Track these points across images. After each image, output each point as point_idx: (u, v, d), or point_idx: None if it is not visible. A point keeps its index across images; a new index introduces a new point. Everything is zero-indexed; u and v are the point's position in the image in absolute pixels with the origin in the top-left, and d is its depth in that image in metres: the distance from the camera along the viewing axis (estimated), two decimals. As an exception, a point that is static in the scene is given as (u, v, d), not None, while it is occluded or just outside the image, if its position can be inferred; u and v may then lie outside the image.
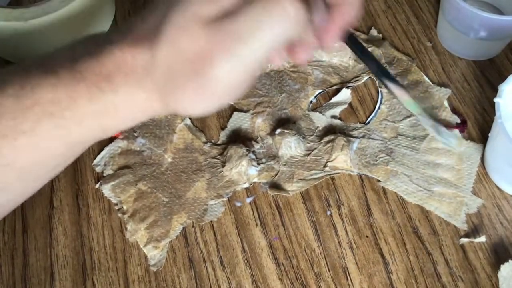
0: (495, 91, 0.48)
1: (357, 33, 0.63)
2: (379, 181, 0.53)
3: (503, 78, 0.49)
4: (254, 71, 0.30)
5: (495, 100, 0.47)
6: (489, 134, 0.51)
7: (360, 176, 0.53)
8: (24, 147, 0.31)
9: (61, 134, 0.31)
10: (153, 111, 0.33)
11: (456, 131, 0.55)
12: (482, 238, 0.49)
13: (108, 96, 0.31)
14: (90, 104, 0.31)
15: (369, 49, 0.61)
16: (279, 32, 0.29)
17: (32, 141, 0.31)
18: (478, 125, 0.55)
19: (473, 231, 0.50)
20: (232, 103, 0.58)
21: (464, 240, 0.49)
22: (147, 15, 0.31)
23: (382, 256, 0.49)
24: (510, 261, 0.46)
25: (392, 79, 0.39)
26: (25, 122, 0.30)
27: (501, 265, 0.46)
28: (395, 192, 0.52)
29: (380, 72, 0.39)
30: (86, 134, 0.33)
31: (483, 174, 0.53)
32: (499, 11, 0.61)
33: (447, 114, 0.56)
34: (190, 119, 0.58)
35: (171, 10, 0.30)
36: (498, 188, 0.52)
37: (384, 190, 0.52)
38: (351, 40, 0.38)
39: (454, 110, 0.56)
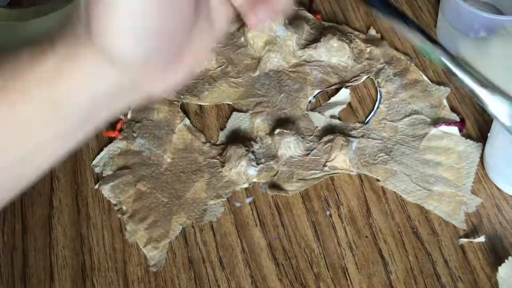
0: (494, 91, 0.48)
1: (356, 32, 0.63)
2: (378, 180, 0.53)
3: (502, 78, 0.49)
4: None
5: (495, 100, 0.47)
6: (489, 134, 0.51)
7: (359, 176, 0.53)
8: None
9: (6, 112, 0.29)
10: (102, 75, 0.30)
11: None
12: (482, 238, 0.49)
13: (49, 57, 0.29)
14: (32, 69, 0.29)
15: (368, 49, 0.61)
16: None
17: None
18: (478, 125, 0.55)
19: (473, 231, 0.50)
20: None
21: (463, 240, 0.49)
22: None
23: (382, 256, 0.49)
24: (506, 261, 0.46)
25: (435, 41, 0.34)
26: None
27: (499, 267, 0.46)
28: (394, 192, 0.52)
29: (426, 38, 0.33)
30: (36, 113, 0.30)
31: (482, 174, 0.53)
32: (499, 11, 0.61)
33: (446, 112, 0.56)
34: (189, 119, 0.58)
35: None
36: (497, 188, 0.52)
37: (383, 190, 0.52)
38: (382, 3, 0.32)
39: (453, 109, 0.56)
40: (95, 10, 0.27)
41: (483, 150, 0.53)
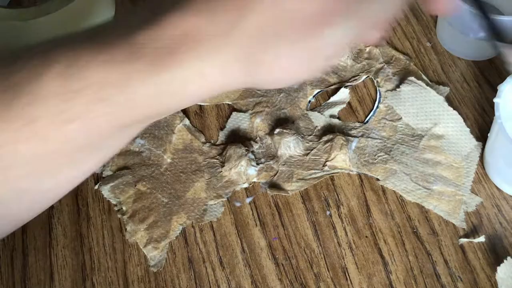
0: (494, 92, 0.48)
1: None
2: (378, 179, 0.53)
3: (502, 79, 0.49)
4: (366, 29, 0.28)
5: (495, 100, 0.47)
6: (488, 135, 0.51)
7: (359, 176, 0.53)
8: (71, 132, 0.27)
9: (111, 119, 0.27)
10: (227, 84, 0.28)
11: None
12: (482, 238, 0.49)
13: (172, 72, 0.26)
14: (149, 85, 0.26)
15: (367, 49, 0.61)
16: None
17: (79, 127, 0.27)
18: (478, 126, 0.55)
19: (473, 231, 0.50)
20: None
21: (463, 240, 0.49)
22: None
23: (382, 256, 0.49)
24: (505, 261, 0.46)
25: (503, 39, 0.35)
26: (72, 109, 0.26)
27: (498, 267, 0.46)
28: (394, 192, 0.52)
29: (492, 30, 0.34)
30: (140, 118, 0.29)
31: (482, 174, 0.53)
32: (499, 11, 0.61)
33: (445, 112, 0.56)
34: (189, 119, 0.58)
35: None
36: (497, 188, 0.52)
37: (383, 190, 0.52)
38: None
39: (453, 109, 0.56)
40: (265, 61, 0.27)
41: (483, 150, 0.53)
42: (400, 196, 0.52)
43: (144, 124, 0.30)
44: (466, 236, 0.49)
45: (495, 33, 0.34)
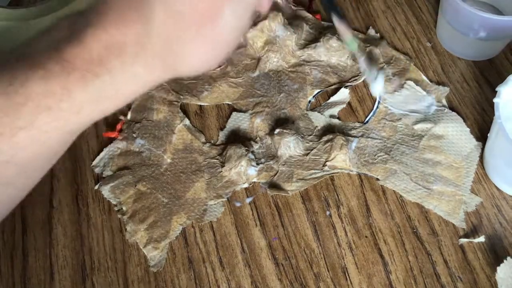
0: (494, 92, 0.48)
1: (355, 32, 0.63)
2: (378, 179, 0.53)
3: (502, 79, 0.49)
4: (253, 8, 0.31)
5: (494, 100, 0.47)
6: (488, 134, 0.51)
7: (359, 176, 0.53)
8: (23, 142, 0.31)
9: (60, 125, 0.31)
10: (155, 79, 0.32)
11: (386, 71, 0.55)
12: (481, 238, 0.49)
13: (105, 80, 0.30)
14: (86, 93, 0.30)
15: (367, 49, 0.61)
16: None
17: (30, 136, 0.30)
18: (478, 126, 0.55)
19: (472, 231, 0.50)
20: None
21: (463, 240, 0.49)
22: None
23: (381, 256, 0.49)
24: (505, 261, 0.46)
25: (339, 15, 0.39)
26: (22, 118, 0.30)
27: (498, 267, 0.46)
28: (394, 192, 0.52)
29: (328, 4, 0.39)
30: (84, 121, 0.32)
31: (482, 174, 0.53)
32: (499, 11, 0.61)
33: (445, 112, 0.56)
34: (189, 119, 0.58)
35: None
36: (497, 188, 0.52)
37: (383, 190, 0.53)
38: None
39: (453, 109, 0.56)
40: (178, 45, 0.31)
41: (482, 150, 0.54)
42: (400, 196, 0.52)
43: (87, 127, 0.34)
44: (466, 236, 0.50)
45: (332, 6, 0.39)
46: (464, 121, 0.55)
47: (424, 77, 0.59)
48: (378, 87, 0.53)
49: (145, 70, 0.31)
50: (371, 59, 0.45)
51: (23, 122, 0.30)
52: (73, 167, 0.56)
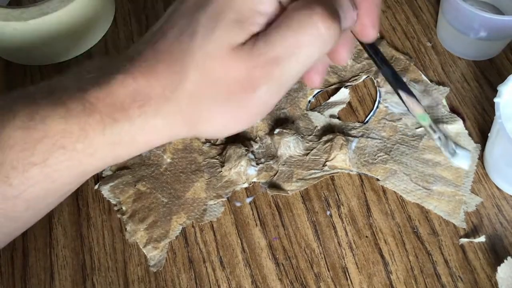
0: (495, 91, 0.48)
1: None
2: (378, 180, 0.53)
3: (503, 78, 0.49)
4: (288, 88, 0.31)
5: (495, 100, 0.47)
6: (489, 134, 0.51)
7: (359, 176, 0.53)
8: (35, 178, 0.31)
9: (73, 165, 0.31)
10: (174, 135, 0.32)
11: (468, 151, 0.52)
12: (482, 238, 0.49)
13: (124, 127, 0.30)
14: (103, 136, 0.30)
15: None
16: (313, 51, 0.29)
17: (42, 173, 0.31)
18: (478, 125, 0.55)
19: (473, 231, 0.50)
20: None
21: (463, 240, 0.49)
22: (158, 40, 0.31)
23: (382, 256, 0.49)
24: (506, 261, 0.46)
25: (406, 89, 0.38)
26: (36, 155, 0.30)
27: (498, 267, 0.46)
28: (394, 192, 0.52)
29: (395, 80, 0.38)
30: (98, 164, 0.32)
31: (482, 174, 0.53)
32: (499, 11, 0.61)
33: (445, 112, 0.56)
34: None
35: (195, 37, 0.30)
36: (497, 188, 0.52)
37: (383, 190, 0.52)
38: (371, 47, 0.37)
39: (453, 109, 0.57)
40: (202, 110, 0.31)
41: (483, 149, 0.53)
42: (401, 196, 0.52)
43: (98, 171, 0.34)
44: (466, 236, 0.49)
45: (398, 82, 0.38)
46: (464, 121, 0.55)
47: (424, 77, 0.59)
48: (463, 159, 0.49)
49: (165, 124, 0.31)
50: (445, 134, 0.43)
51: (37, 158, 0.30)
52: (73, 167, 0.55)
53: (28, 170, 0.30)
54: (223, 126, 0.32)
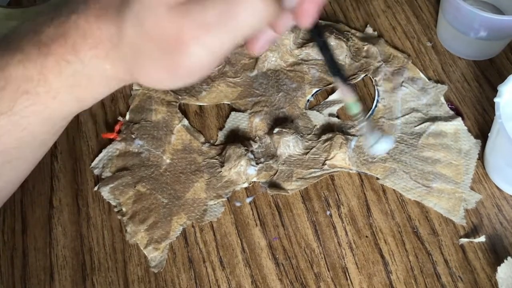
0: (495, 91, 0.48)
1: (353, 31, 0.63)
2: (378, 178, 0.53)
3: (503, 78, 0.49)
4: (221, 55, 0.31)
5: (495, 100, 0.47)
6: (489, 134, 0.51)
7: (359, 176, 0.53)
8: (4, 128, 0.31)
9: (39, 110, 0.32)
10: (120, 80, 0.33)
11: (390, 139, 0.54)
12: (482, 238, 0.49)
13: (77, 68, 0.31)
14: (61, 78, 0.31)
15: (365, 47, 0.61)
16: (247, 24, 0.29)
17: (10, 121, 0.31)
18: (478, 125, 0.55)
19: (473, 231, 0.50)
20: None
21: (463, 240, 0.49)
22: None
23: (382, 256, 0.49)
24: (506, 261, 0.46)
25: (343, 76, 0.39)
26: (1, 104, 0.31)
27: (498, 267, 0.46)
28: (394, 192, 0.52)
29: (331, 64, 0.39)
30: (64, 107, 0.33)
31: (482, 174, 0.53)
32: (499, 11, 0.61)
33: (443, 110, 0.56)
34: (189, 119, 0.58)
35: None
36: (497, 188, 0.52)
37: (383, 190, 0.52)
38: (315, 30, 0.37)
39: (451, 104, 0.56)
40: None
41: (483, 150, 0.53)
42: (401, 196, 0.52)
43: (69, 118, 0.34)
44: (466, 236, 0.49)
45: (334, 68, 0.39)
46: (465, 120, 0.55)
47: (422, 75, 0.59)
48: (381, 148, 0.51)
49: (112, 69, 0.32)
50: (371, 124, 0.45)
51: (3, 107, 0.31)
52: (73, 167, 0.55)
53: None
54: (158, 80, 0.32)
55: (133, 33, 0.30)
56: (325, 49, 0.38)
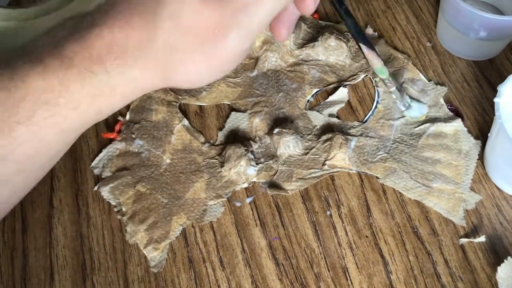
0: (495, 91, 0.48)
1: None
2: (378, 178, 0.53)
3: (503, 78, 0.49)
4: (256, 35, 0.32)
5: (495, 100, 0.47)
6: (489, 134, 0.51)
7: (359, 176, 0.53)
8: (21, 138, 0.31)
9: (58, 121, 0.31)
10: (151, 86, 0.33)
11: (424, 104, 0.56)
12: (482, 238, 0.49)
13: (102, 78, 0.31)
14: (83, 89, 0.31)
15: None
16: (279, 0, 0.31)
17: (29, 132, 0.31)
18: (478, 125, 0.55)
19: (473, 231, 0.50)
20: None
21: (463, 240, 0.49)
22: None
23: (382, 256, 0.49)
24: (506, 261, 0.46)
25: (367, 41, 0.40)
26: (20, 113, 0.30)
27: (498, 267, 0.46)
28: (394, 192, 0.52)
29: (356, 31, 0.40)
30: (83, 119, 0.33)
31: (482, 174, 0.53)
32: (499, 11, 0.61)
33: (443, 111, 0.56)
34: (189, 119, 0.58)
35: None
36: (497, 188, 0.52)
37: (383, 190, 0.52)
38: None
39: (451, 105, 0.57)
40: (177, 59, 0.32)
41: (483, 149, 0.53)
42: (401, 196, 0.52)
43: (85, 128, 0.34)
44: (466, 236, 0.49)
45: (360, 35, 0.40)
46: (463, 119, 0.55)
47: (422, 76, 0.59)
48: (415, 111, 0.55)
49: (142, 75, 0.32)
50: (400, 88, 0.47)
51: (22, 117, 0.30)
52: (73, 167, 0.55)
53: (14, 129, 0.30)
54: (197, 74, 0.32)
55: (168, 32, 0.30)
56: (348, 16, 0.39)
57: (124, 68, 0.31)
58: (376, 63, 0.44)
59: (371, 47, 0.42)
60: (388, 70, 0.47)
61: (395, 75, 0.59)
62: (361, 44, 0.41)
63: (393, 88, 0.49)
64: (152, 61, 0.31)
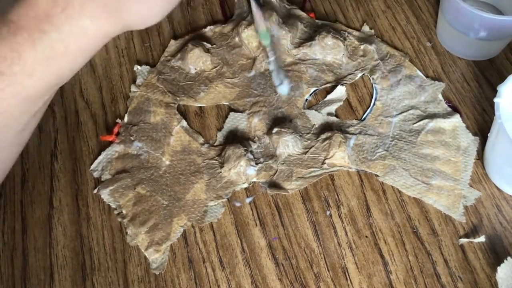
0: (494, 91, 0.48)
1: (350, 30, 0.63)
2: (377, 176, 0.53)
3: (502, 78, 0.49)
4: None
5: (495, 100, 0.47)
6: (489, 134, 0.51)
7: (359, 176, 0.53)
8: None
9: (17, 90, 0.31)
10: (104, 34, 0.32)
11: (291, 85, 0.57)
12: (482, 238, 0.49)
13: (52, 36, 0.30)
14: (36, 52, 0.30)
15: (362, 46, 0.61)
16: None
17: None
18: (478, 125, 0.55)
19: (473, 231, 0.50)
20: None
21: (463, 240, 0.49)
22: None
23: (382, 256, 0.49)
24: (505, 261, 0.46)
25: (258, 2, 0.40)
26: None
27: (498, 267, 0.46)
28: (394, 192, 0.52)
29: None
30: (43, 84, 0.32)
31: (482, 174, 0.53)
32: (499, 11, 0.61)
33: (441, 107, 0.56)
34: (189, 120, 0.58)
35: None
36: (497, 188, 0.52)
37: (383, 190, 0.52)
38: None
39: (449, 102, 0.57)
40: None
41: (482, 150, 0.54)
42: (400, 196, 0.52)
43: (48, 94, 0.33)
44: (466, 236, 0.49)
45: None
46: (464, 120, 0.55)
47: (420, 73, 0.59)
48: (284, 89, 0.56)
49: (92, 23, 0.31)
50: (279, 62, 0.47)
51: None
52: (73, 167, 0.55)
53: None
54: (148, 9, 0.32)
55: None
56: None
57: (73, 19, 0.30)
58: (261, 24, 0.43)
59: (260, 6, 0.41)
60: (272, 40, 0.46)
61: (392, 72, 0.59)
62: (251, 0, 0.40)
63: (273, 58, 0.48)
64: (100, 6, 0.31)
